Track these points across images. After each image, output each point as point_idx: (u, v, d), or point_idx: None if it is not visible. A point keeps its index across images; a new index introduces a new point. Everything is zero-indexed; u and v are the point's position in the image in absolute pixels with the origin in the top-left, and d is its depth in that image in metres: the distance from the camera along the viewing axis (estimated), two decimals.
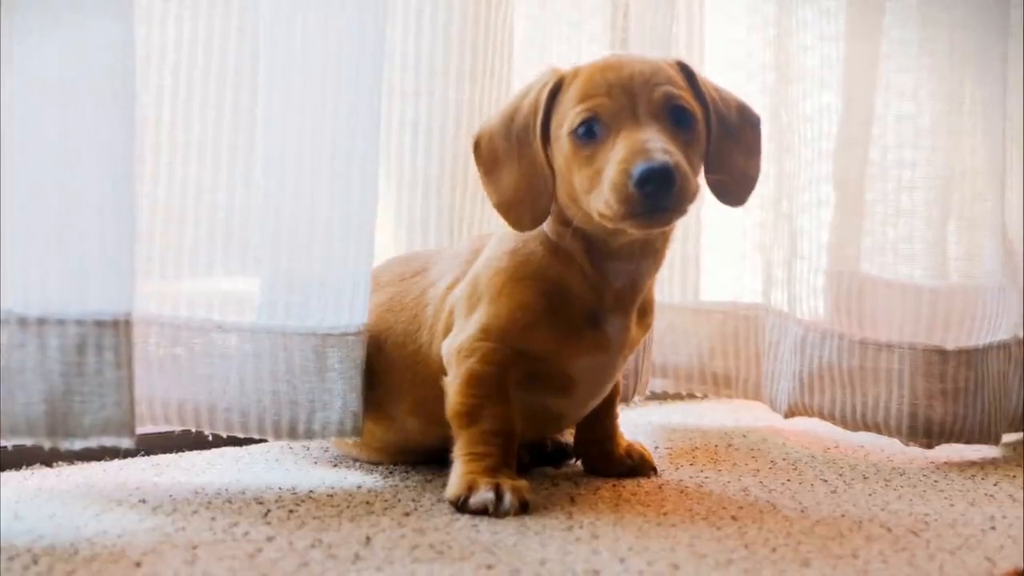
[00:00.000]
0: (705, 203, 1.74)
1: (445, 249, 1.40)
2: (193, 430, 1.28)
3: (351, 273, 1.27)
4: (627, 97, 1.15)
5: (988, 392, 1.54)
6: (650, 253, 1.23)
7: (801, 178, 1.60)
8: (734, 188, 1.24)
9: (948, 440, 1.52)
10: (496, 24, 1.52)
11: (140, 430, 1.36)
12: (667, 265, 1.67)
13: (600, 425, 1.36)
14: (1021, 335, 1.63)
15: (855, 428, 1.55)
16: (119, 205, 1.10)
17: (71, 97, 1.08)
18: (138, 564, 0.96)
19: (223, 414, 1.25)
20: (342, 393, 1.26)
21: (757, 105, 1.67)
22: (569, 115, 1.16)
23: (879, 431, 1.54)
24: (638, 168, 1.08)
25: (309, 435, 1.26)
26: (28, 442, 1.08)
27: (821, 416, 1.57)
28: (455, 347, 1.22)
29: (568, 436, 1.42)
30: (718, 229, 1.78)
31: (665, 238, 1.24)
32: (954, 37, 1.56)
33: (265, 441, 1.41)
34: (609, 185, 1.11)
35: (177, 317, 1.25)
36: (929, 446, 1.53)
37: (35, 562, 0.95)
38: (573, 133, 1.15)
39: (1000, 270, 1.59)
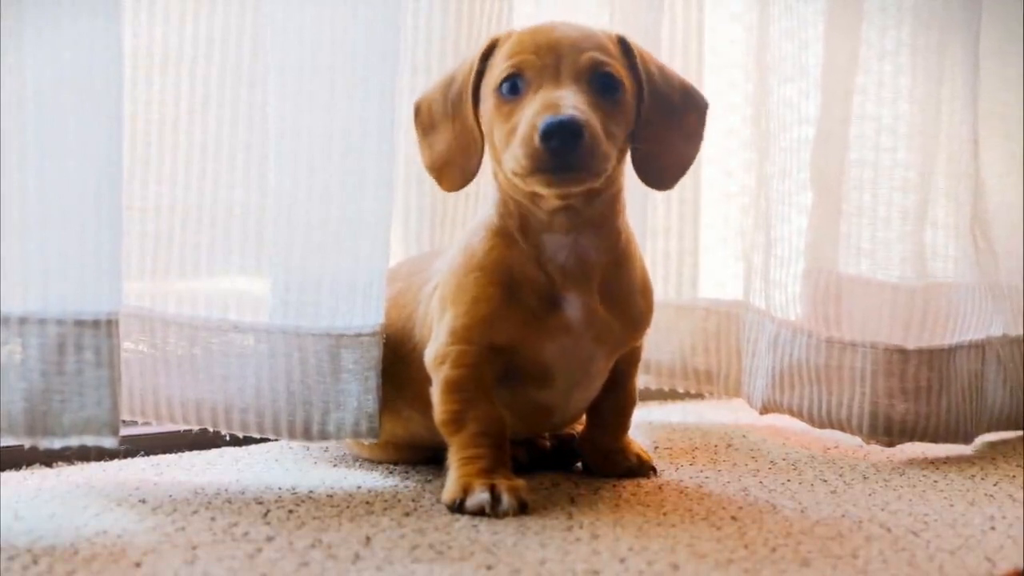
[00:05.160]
0: (703, 200, 1.76)
1: (448, 247, 1.40)
2: (195, 428, 1.29)
3: (365, 272, 1.27)
4: (553, 57, 1.16)
5: (955, 392, 1.54)
6: (587, 226, 1.21)
7: (781, 176, 1.60)
8: (663, 169, 1.25)
9: (911, 439, 1.52)
10: (482, 24, 1.52)
11: (143, 430, 1.38)
12: (651, 262, 1.68)
13: (610, 427, 1.35)
14: (1014, 334, 1.64)
15: (822, 426, 1.56)
16: (102, 206, 1.10)
17: (54, 96, 1.08)
18: (138, 564, 0.96)
19: (239, 414, 1.26)
20: (357, 394, 1.26)
21: (753, 103, 1.69)
22: (495, 72, 1.18)
23: (843, 429, 1.54)
24: (544, 121, 1.09)
25: (324, 436, 1.27)
26: (7, 440, 1.09)
27: (791, 413, 1.58)
28: (431, 355, 1.23)
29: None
30: (713, 228, 1.78)
31: (603, 211, 1.22)
32: (930, 39, 1.56)
33: (267, 441, 1.41)
34: (519, 139, 1.12)
35: (196, 317, 1.26)
36: (890, 444, 1.53)
37: (35, 562, 0.95)
38: (497, 89, 1.17)
39: (970, 271, 1.60)
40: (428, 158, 1.25)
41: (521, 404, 1.25)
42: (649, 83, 1.22)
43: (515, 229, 1.22)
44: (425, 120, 1.26)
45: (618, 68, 1.18)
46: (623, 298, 1.25)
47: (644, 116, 1.21)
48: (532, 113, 1.12)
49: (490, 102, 1.19)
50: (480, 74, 1.21)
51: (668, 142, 1.24)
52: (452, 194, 1.52)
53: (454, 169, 1.23)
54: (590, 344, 1.24)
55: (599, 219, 1.22)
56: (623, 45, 1.22)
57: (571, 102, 1.12)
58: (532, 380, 1.24)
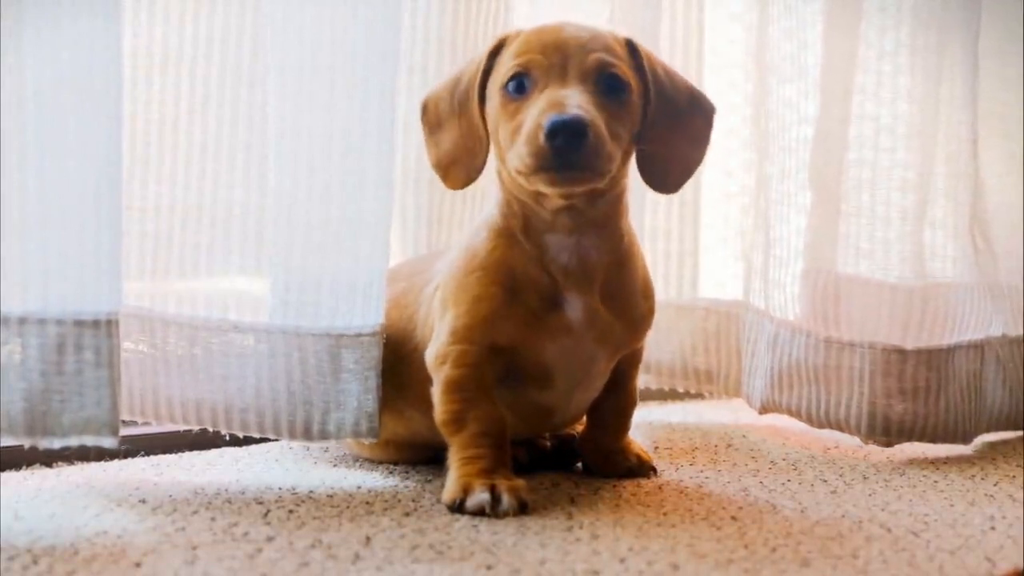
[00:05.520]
0: (703, 201, 1.76)
1: (450, 248, 1.40)
2: (195, 428, 1.29)
3: (365, 272, 1.27)
4: (560, 57, 1.16)
5: (954, 392, 1.54)
6: (590, 226, 1.21)
7: (780, 176, 1.60)
8: (668, 172, 1.25)
9: (909, 439, 1.52)
10: (479, 25, 1.52)
11: (143, 430, 1.38)
12: (652, 263, 1.68)
13: (611, 428, 1.35)
14: (1014, 334, 1.64)
15: (820, 425, 1.56)
16: (102, 206, 1.10)
17: (53, 96, 1.07)
18: (138, 564, 0.96)
19: (239, 414, 1.26)
20: (357, 394, 1.26)
21: (752, 103, 1.69)
22: (502, 70, 1.19)
23: (841, 429, 1.54)
24: (549, 119, 1.10)
25: (324, 436, 1.27)
26: (7, 440, 1.09)
27: (790, 413, 1.58)
28: (432, 355, 1.23)
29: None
30: (713, 228, 1.78)
31: (607, 211, 1.22)
32: (930, 39, 1.56)
33: (268, 441, 1.41)
34: (524, 138, 1.12)
35: (196, 317, 1.26)
36: (888, 444, 1.53)
37: (35, 562, 0.95)
38: (503, 88, 1.18)
39: (969, 271, 1.60)
40: (434, 156, 1.26)
41: (522, 405, 1.25)
42: (655, 85, 1.22)
43: (518, 229, 1.22)
44: (432, 118, 1.26)
45: (624, 69, 1.18)
46: (625, 299, 1.25)
47: (650, 118, 1.22)
48: (537, 111, 1.12)
49: (496, 100, 1.19)
50: (487, 72, 1.21)
51: (673, 145, 1.24)
52: (449, 195, 1.52)
53: (459, 167, 1.24)
54: (591, 345, 1.24)
55: (602, 220, 1.22)
56: (630, 47, 1.22)
57: (576, 101, 1.12)
58: (533, 381, 1.24)
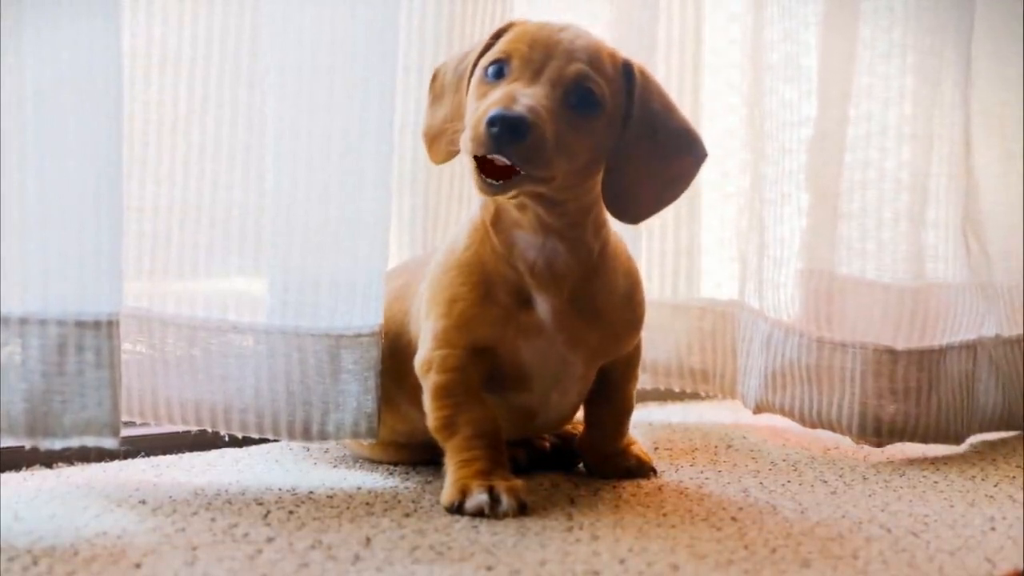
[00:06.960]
0: (702, 201, 1.76)
1: None
2: (195, 429, 1.29)
3: (364, 272, 1.27)
4: (543, 56, 1.15)
5: (945, 392, 1.54)
6: (553, 231, 1.20)
7: (776, 177, 1.60)
8: (635, 202, 1.22)
9: (900, 439, 1.53)
10: (475, 26, 1.52)
11: (143, 431, 1.38)
12: (648, 262, 1.68)
13: (608, 431, 1.34)
14: (1007, 335, 1.65)
15: (812, 425, 1.56)
16: (102, 206, 1.10)
17: (53, 96, 1.07)
18: (138, 565, 0.96)
19: (238, 414, 1.26)
20: (356, 395, 1.26)
21: (748, 104, 1.69)
22: (490, 53, 1.18)
23: (833, 429, 1.55)
24: (494, 110, 1.09)
25: (323, 436, 1.27)
26: (8, 441, 1.09)
27: (783, 413, 1.58)
28: (419, 362, 1.23)
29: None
30: (710, 229, 1.78)
31: (571, 222, 1.20)
32: (925, 42, 1.56)
33: (268, 441, 1.41)
34: (472, 121, 1.12)
35: (194, 317, 1.26)
36: (879, 444, 1.54)
37: (35, 563, 0.95)
38: (484, 69, 1.17)
39: (961, 271, 1.60)
40: (427, 125, 1.26)
41: (503, 407, 1.25)
42: (642, 113, 1.19)
43: (491, 223, 1.22)
44: (437, 88, 1.26)
45: (603, 88, 1.16)
46: (599, 309, 1.24)
47: (626, 145, 1.19)
48: (490, 101, 1.12)
49: (475, 80, 1.19)
50: (486, 53, 1.21)
51: (647, 177, 1.22)
52: (446, 196, 1.53)
53: (443, 141, 1.24)
54: (562, 348, 1.23)
55: (565, 229, 1.21)
56: (626, 68, 1.20)
57: (529, 102, 1.11)
58: (511, 382, 1.24)
